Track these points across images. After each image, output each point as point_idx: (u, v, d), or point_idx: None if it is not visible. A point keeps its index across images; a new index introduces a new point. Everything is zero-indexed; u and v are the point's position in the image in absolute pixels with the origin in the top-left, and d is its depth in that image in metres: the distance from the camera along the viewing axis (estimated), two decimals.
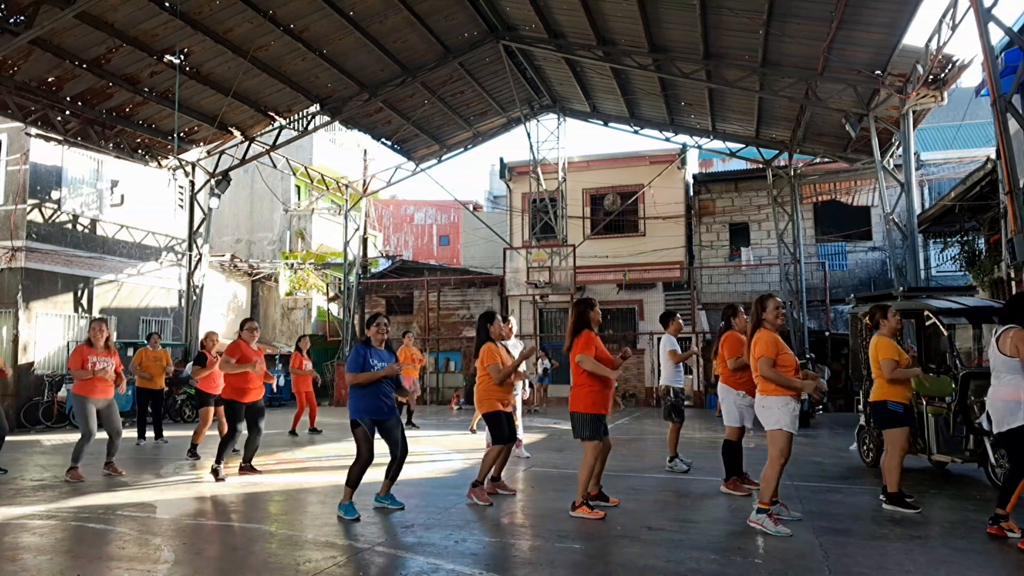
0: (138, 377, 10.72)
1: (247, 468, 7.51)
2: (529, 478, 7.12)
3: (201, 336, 13.76)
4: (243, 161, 17.43)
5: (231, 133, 16.35)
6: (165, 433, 10.99)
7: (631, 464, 7.99)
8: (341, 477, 5.96)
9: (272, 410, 18.26)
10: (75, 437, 7.44)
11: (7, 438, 7.87)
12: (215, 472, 7.11)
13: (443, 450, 9.52)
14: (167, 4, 11.38)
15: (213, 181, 17.07)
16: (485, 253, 25.82)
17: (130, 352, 16.08)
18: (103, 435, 7.38)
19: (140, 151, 15.93)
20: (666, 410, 7.60)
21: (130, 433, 11.42)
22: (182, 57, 12.83)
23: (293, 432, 11.57)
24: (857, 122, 13.25)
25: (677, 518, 5.37)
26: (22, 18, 10.42)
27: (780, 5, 10.91)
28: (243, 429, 7.35)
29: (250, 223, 26.17)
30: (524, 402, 10.14)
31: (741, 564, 4.19)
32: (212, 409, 9.20)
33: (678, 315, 7.97)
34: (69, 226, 15.55)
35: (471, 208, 29.35)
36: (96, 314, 15.97)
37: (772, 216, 18.84)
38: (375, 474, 6.30)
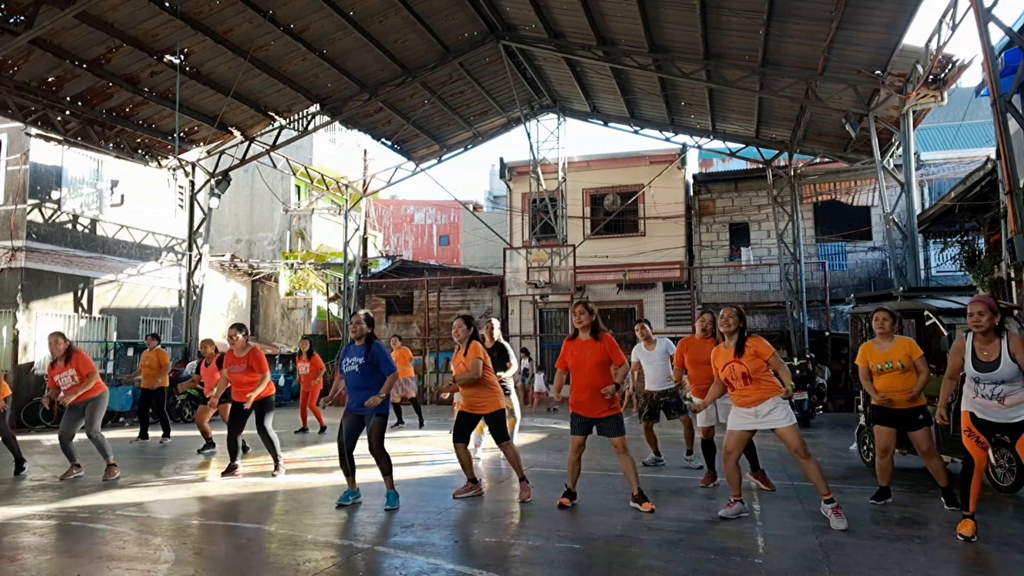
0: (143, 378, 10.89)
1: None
2: (529, 478, 7.11)
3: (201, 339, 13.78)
4: (243, 161, 17.42)
5: (231, 133, 16.34)
6: (157, 433, 10.97)
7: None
8: (340, 477, 5.99)
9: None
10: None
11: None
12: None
13: (443, 450, 9.50)
14: (167, 4, 11.38)
15: (213, 181, 17.06)
16: (485, 253, 25.82)
17: (130, 352, 16.17)
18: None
19: (140, 151, 15.93)
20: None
21: (129, 433, 11.46)
22: (182, 57, 12.82)
23: (304, 429, 11.80)
24: (857, 122, 13.24)
25: (677, 518, 5.37)
26: (22, 18, 10.42)
27: (780, 5, 10.91)
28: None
29: (250, 223, 26.18)
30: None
31: (741, 564, 4.19)
32: (209, 409, 9.46)
33: (642, 323, 8.04)
34: (69, 226, 15.55)
35: (471, 208, 29.35)
36: (96, 314, 15.99)
37: (772, 216, 18.83)
38: (375, 474, 6.31)
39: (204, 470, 7.97)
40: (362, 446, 5.91)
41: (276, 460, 7.43)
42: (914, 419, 5.61)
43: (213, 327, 19.23)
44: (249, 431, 7.76)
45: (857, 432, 8.22)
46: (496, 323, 8.20)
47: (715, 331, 6.60)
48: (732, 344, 5.22)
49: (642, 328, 7.88)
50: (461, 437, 6.16)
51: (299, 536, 4.86)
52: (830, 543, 4.60)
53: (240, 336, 7.46)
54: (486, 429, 7.63)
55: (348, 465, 5.85)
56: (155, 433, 10.85)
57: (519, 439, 10.16)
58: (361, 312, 6.03)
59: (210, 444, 9.31)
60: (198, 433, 9.55)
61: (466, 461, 6.20)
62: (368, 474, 6.18)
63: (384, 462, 5.77)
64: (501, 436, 6.17)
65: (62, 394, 7.25)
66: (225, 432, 7.62)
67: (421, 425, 12.30)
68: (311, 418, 12.10)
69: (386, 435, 5.91)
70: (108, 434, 7.50)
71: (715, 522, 5.29)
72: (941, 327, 7.19)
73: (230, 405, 7.69)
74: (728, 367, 5.20)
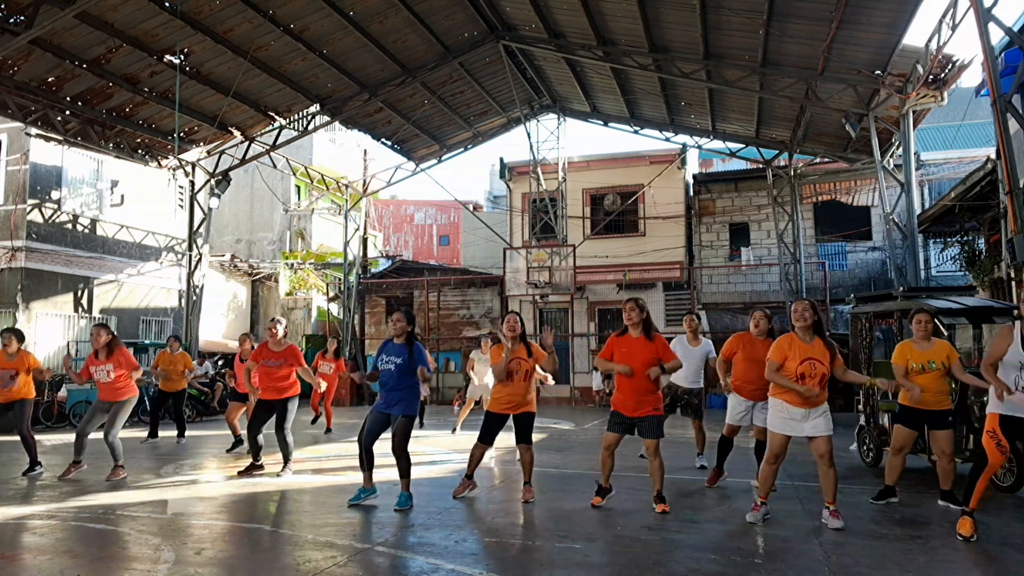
0: (160, 379, 10.84)
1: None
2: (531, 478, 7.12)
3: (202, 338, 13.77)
4: (243, 161, 17.42)
5: (231, 133, 16.34)
6: (160, 433, 10.97)
7: (631, 464, 7.99)
8: (341, 477, 5.99)
9: None
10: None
11: (6, 438, 7.89)
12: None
13: (443, 450, 9.51)
14: (167, 4, 11.38)
15: (213, 181, 17.06)
16: (485, 253, 25.82)
17: (130, 352, 16.14)
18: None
19: (140, 151, 15.93)
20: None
21: (139, 432, 11.42)
22: (182, 57, 12.83)
23: (317, 416, 11.98)
24: (857, 122, 13.25)
25: (677, 518, 5.37)
26: (22, 18, 10.42)
27: (780, 5, 10.92)
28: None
29: (250, 223, 26.16)
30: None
31: (741, 564, 4.19)
32: (240, 406, 9.59)
33: (692, 315, 7.88)
34: (69, 226, 15.55)
35: (471, 208, 29.35)
36: (96, 314, 15.98)
37: (772, 216, 18.83)
38: (388, 474, 6.31)
39: (204, 470, 7.97)
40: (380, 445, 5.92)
41: (286, 461, 7.44)
42: (943, 419, 5.57)
43: (213, 327, 19.23)
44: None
45: (857, 432, 8.22)
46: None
47: (771, 330, 6.39)
48: (812, 341, 5.03)
49: (691, 321, 7.69)
50: (489, 439, 6.13)
51: (299, 536, 4.86)
52: (830, 543, 4.60)
53: (279, 329, 7.49)
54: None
55: (366, 461, 5.82)
56: (164, 433, 10.85)
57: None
58: (402, 309, 5.99)
59: (238, 441, 9.31)
60: (203, 433, 9.55)
61: (478, 461, 6.20)
62: (377, 474, 6.17)
63: (404, 462, 5.76)
64: (528, 438, 6.16)
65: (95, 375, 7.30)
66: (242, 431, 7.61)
67: (421, 426, 12.32)
68: (320, 419, 12.15)
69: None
70: (119, 433, 7.48)
71: (715, 522, 5.29)
72: (941, 327, 7.18)
73: (243, 406, 7.71)
74: (809, 363, 4.97)
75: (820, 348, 5.01)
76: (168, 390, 10.71)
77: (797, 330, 5.13)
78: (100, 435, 7.36)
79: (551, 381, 6.54)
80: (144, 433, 10.98)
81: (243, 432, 8.78)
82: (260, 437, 7.47)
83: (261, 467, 7.45)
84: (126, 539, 4.84)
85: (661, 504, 5.52)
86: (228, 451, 9.27)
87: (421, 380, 5.90)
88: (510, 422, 6.17)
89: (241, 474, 7.36)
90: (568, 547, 4.61)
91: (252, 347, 9.50)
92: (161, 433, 10.93)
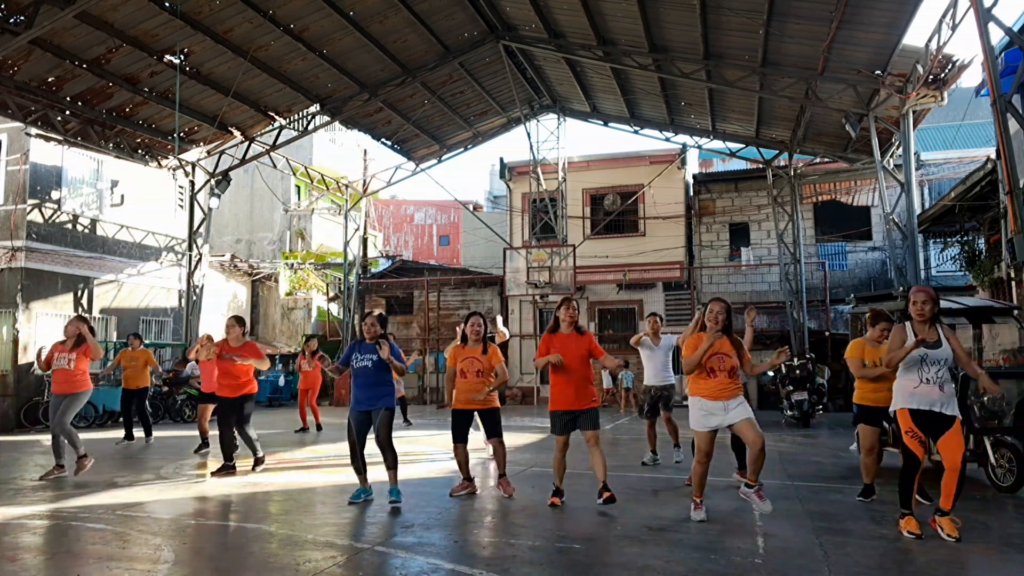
0: (123, 377, 10.78)
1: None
2: (529, 478, 7.13)
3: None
4: (243, 161, 17.42)
5: (231, 133, 16.34)
6: (158, 433, 10.93)
7: (630, 463, 8.00)
8: (341, 477, 5.99)
9: (273, 409, 18.29)
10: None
11: (6, 438, 7.89)
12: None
13: (443, 450, 9.50)
14: (167, 4, 11.38)
15: (213, 181, 17.06)
16: (485, 253, 25.83)
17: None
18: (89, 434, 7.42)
19: (140, 151, 15.93)
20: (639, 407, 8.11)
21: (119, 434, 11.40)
22: (182, 57, 12.83)
23: (304, 429, 12.00)
24: (857, 122, 13.25)
25: (677, 518, 5.37)
26: (22, 18, 10.42)
27: (780, 5, 10.92)
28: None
29: (250, 223, 26.17)
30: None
31: (741, 564, 4.19)
32: (208, 408, 9.36)
33: (655, 316, 7.98)
34: (69, 226, 15.54)
35: (471, 208, 29.37)
36: (96, 315, 15.98)
37: (772, 216, 18.84)
38: (376, 473, 6.31)
39: (204, 470, 7.96)
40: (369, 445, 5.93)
41: (256, 457, 7.51)
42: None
43: (213, 327, 19.22)
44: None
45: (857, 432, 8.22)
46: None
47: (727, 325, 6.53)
48: (721, 338, 5.23)
49: (654, 321, 7.81)
50: (462, 438, 6.22)
51: (299, 536, 4.86)
52: (830, 543, 4.60)
53: (238, 328, 7.57)
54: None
55: (360, 463, 5.90)
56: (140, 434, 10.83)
57: (522, 438, 10.19)
58: (375, 312, 6.02)
59: (205, 444, 9.29)
60: (198, 433, 9.53)
61: (464, 461, 6.26)
62: (370, 473, 6.18)
63: (390, 456, 5.82)
64: (497, 432, 6.25)
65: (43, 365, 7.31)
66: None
67: (407, 423, 12.49)
68: (309, 417, 12.17)
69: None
70: (104, 434, 7.48)
71: (715, 522, 5.28)
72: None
73: (212, 406, 7.71)
74: (717, 358, 5.19)
75: (727, 345, 5.21)
76: (131, 387, 10.65)
77: (709, 329, 5.27)
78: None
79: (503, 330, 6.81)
80: (120, 434, 10.87)
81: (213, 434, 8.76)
82: (234, 437, 7.46)
83: (233, 468, 7.37)
84: (126, 539, 4.84)
85: (606, 492, 5.58)
86: (195, 452, 9.19)
87: (396, 375, 5.91)
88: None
89: (214, 475, 7.31)
90: (568, 547, 4.61)
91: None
92: (136, 434, 10.89)
